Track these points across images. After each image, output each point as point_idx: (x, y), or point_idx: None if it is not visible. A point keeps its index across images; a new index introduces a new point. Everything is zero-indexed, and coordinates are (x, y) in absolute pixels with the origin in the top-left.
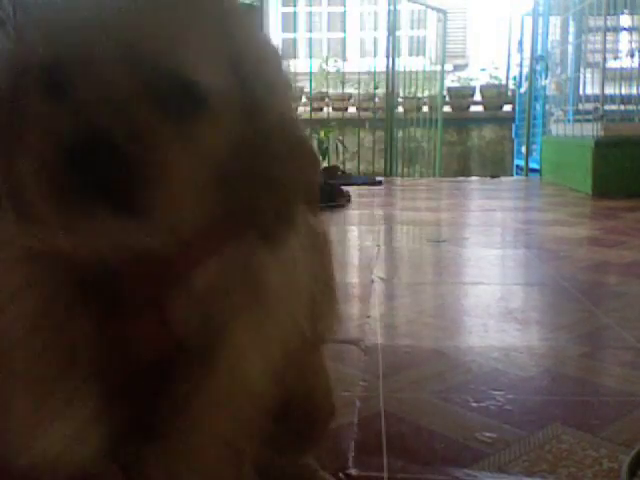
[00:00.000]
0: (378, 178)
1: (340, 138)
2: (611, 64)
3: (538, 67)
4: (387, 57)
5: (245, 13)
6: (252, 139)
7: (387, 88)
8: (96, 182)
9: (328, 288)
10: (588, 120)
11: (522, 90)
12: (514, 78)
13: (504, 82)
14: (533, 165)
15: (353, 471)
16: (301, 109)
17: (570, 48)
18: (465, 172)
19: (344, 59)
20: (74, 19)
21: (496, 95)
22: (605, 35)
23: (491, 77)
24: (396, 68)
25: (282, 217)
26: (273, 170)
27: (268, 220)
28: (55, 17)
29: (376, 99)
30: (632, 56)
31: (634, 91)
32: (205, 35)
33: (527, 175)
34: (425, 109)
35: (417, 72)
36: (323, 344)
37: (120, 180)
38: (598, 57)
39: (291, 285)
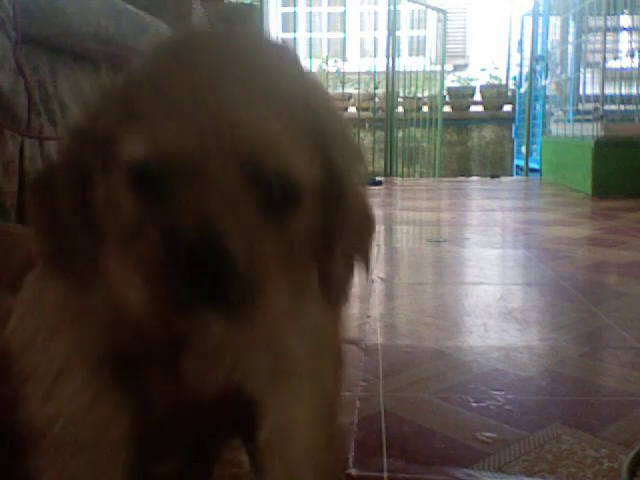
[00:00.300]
0: (378, 178)
1: None
2: (611, 64)
3: (538, 67)
4: (387, 57)
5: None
6: (335, 218)
7: (387, 88)
8: (202, 284)
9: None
10: (588, 120)
11: (522, 90)
12: (514, 78)
13: (504, 82)
14: (533, 165)
15: (353, 471)
16: None
17: (570, 48)
18: (465, 172)
19: (344, 59)
20: (174, 110)
21: (496, 95)
22: (605, 35)
23: (491, 77)
24: (396, 68)
25: (346, 286)
26: (347, 242)
27: (336, 288)
28: (153, 105)
29: (376, 99)
30: (632, 56)
31: (634, 91)
32: (302, 127)
33: (527, 175)
34: (425, 109)
35: (417, 72)
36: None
37: (225, 282)
38: (598, 57)
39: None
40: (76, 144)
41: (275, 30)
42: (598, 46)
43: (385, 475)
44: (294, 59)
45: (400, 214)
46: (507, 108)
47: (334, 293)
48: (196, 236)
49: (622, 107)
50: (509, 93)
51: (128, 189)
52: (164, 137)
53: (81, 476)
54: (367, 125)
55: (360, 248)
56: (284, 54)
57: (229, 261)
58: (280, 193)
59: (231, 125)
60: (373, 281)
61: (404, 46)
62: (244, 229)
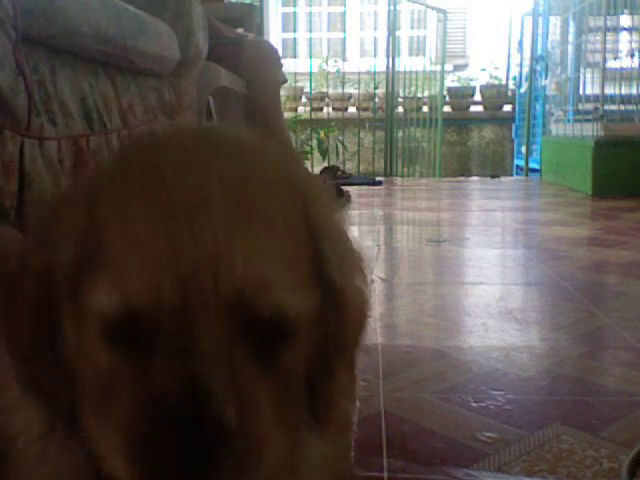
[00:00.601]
0: (378, 178)
1: (340, 138)
2: (611, 64)
3: (538, 67)
4: (387, 57)
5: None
6: (333, 337)
7: (387, 88)
8: (191, 451)
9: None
10: (588, 120)
11: (522, 90)
12: (514, 78)
13: (504, 82)
14: (533, 165)
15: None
16: (301, 109)
17: (570, 48)
18: (465, 172)
19: (344, 59)
20: (145, 246)
21: (496, 95)
22: (605, 35)
23: (491, 77)
24: (396, 68)
25: (336, 403)
26: (342, 355)
27: (325, 407)
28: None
29: (376, 99)
30: (632, 56)
31: (634, 91)
32: (294, 245)
33: (527, 175)
34: (425, 109)
35: (417, 72)
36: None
37: (218, 447)
38: (598, 57)
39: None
40: (35, 275)
41: (275, 30)
42: (598, 46)
43: (385, 475)
44: (278, 157)
45: (400, 214)
46: (507, 108)
47: (329, 415)
48: (183, 402)
49: (622, 107)
50: (509, 93)
51: (100, 342)
52: (136, 285)
53: None
54: (367, 125)
55: (348, 355)
56: (266, 154)
57: (221, 427)
58: (272, 332)
59: (213, 263)
60: (373, 281)
61: (404, 46)
62: (236, 386)
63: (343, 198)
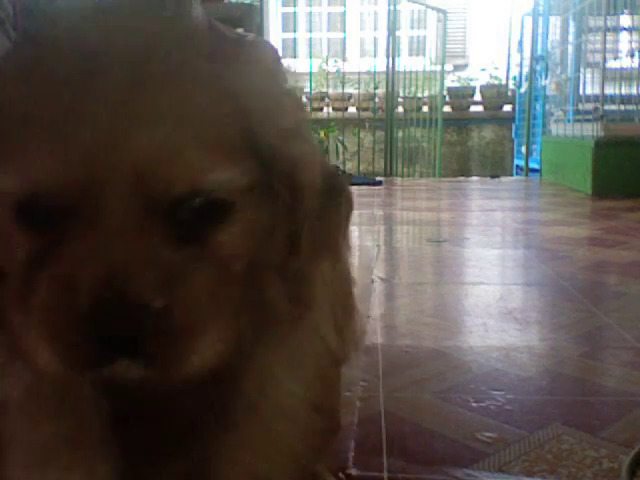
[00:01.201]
0: (378, 178)
1: (340, 138)
2: (611, 64)
3: (538, 67)
4: (387, 57)
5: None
6: (291, 209)
7: (387, 88)
8: (116, 338)
9: (350, 311)
10: (588, 120)
11: (522, 90)
12: (514, 78)
13: (504, 82)
14: (533, 165)
15: (353, 471)
16: None
17: (570, 48)
18: (465, 172)
19: (344, 59)
20: (46, 126)
21: (496, 95)
22: (605, 35)
23: (491, 77)
24: (396, 68)
25: (308, 278)
26: (315, 230)
27: (295, 285)
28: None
29: (376, 99)
30: (632, 56)
31: (634, 91)
32: (218, 120)
33: (527, 175)
34: (425, 109)
35: (417, 72)
36: (345, 362)
37: (139, 333)
38: (598, 57)
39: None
40: None
41: (275, 30)
42: (598, 46)
43: (385, 475)
44: (202, 29)
45: (400, 214)
46: (507, 108)
47: (305, 293)
48: (100, 290)
49: (622, 107)
50: (509, 93)
51: (14, 226)
52: (38, 167)
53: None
54: (367, 125)
55: (329, 233)
56: (187, 25)
57: (143, 312)
58: (194, 212)
59: (118, 142)
60: (373, 281)
61: (404, 46)
62: (156, 269)
63: (342, 198)
